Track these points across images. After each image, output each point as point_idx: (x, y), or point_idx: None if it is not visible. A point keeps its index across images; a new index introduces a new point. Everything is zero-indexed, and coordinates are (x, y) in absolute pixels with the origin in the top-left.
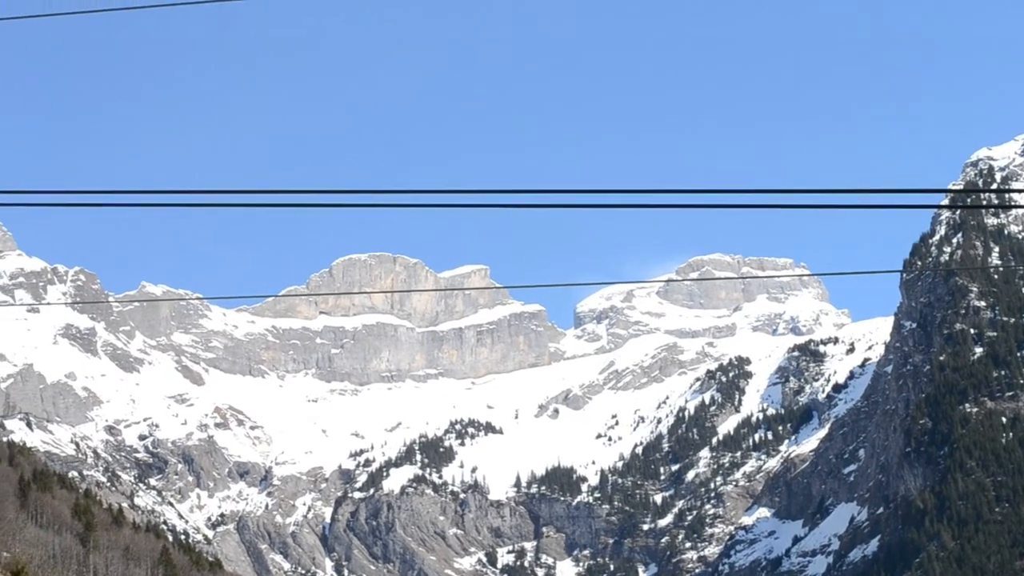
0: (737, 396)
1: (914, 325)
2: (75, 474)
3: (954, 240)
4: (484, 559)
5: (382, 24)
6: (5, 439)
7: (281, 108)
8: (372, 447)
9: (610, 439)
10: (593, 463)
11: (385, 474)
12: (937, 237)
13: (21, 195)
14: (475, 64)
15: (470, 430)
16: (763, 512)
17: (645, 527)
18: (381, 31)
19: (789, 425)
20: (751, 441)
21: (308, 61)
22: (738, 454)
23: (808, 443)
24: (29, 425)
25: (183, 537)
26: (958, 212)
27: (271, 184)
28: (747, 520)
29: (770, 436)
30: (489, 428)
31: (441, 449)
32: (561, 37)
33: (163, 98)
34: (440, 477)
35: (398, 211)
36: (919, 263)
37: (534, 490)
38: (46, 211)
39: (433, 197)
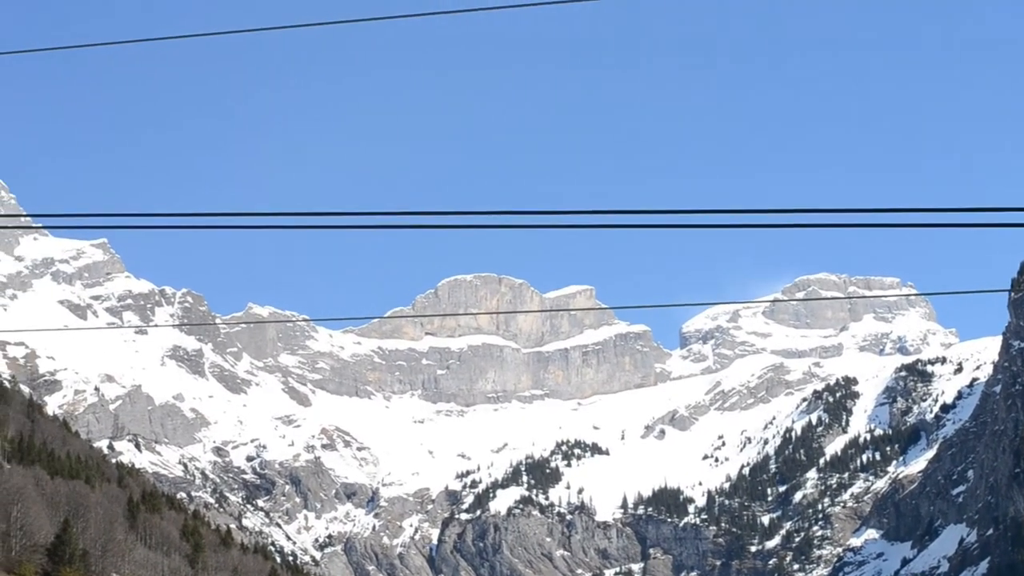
0: (844, 417)
1: (1023, 345)
2: (183, 495)
3: None
4: None
5: (485, 47)
6: (114, 460)
7: (388, 129)
8: (478, 468)
9: (717, 460)
10: (700, 484)
11: (492, 495)
12: None
13: (129, 218)
14: (582, 88)
15: (576, 451)
16: (871, 534)
17: (753, 549)
18: (484, 54)
19: (897, 446)
20: (859, 462)
21: (415, 84)
22: (846, 475)
23: (916, 464)
24: (138, 446)
25: (291, 558)
26: None
27: (377, 206)
28: (855, 542)
29: (878, 457)
30: (595, 449)
31: (547, 470)
32: (657, 60)
33: (270, 120)
34: (547, 498)
35: (504, 232)
36: None
37: (641, 511)
38: (154, 234)
39: (539, 218)
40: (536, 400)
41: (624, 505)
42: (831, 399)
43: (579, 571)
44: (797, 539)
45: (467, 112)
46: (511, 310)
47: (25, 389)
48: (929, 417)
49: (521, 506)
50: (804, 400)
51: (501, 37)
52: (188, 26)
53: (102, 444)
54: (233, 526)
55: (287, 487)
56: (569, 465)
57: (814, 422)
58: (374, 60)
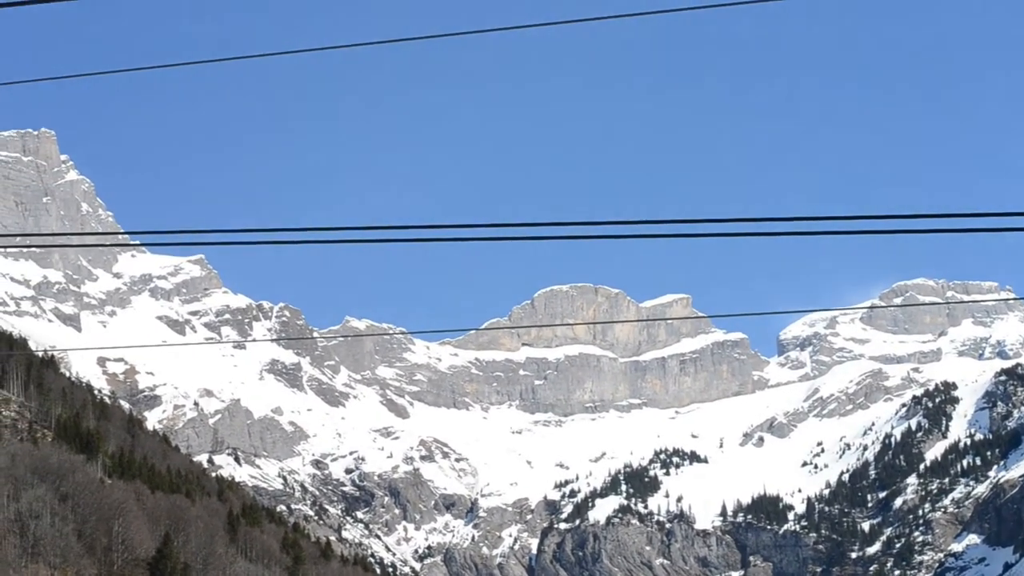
0: (944, 422)
1: None
2: (283, 508)
3: None
4: None
5: (575, 57)
6: (214, 474)
7: (481, 144)
8: (577, 478)
9: (816, 467)
10: (799, 491)
11: (591, 505)
12: None
13: (226, 234)
14: (677, 93)
15: (675, 459)
16: (973, 539)
17: (853, 555)
18: (574, 64)
19: (997, 450)
20: (959, 467)
21: (509, 96)
22: (946, 480)
23: (1017, 468)
24: (237, 460)
25: (391, 570)
26: None
27: (472, 218)
28: (957, 547)
29: (978, 462)
30: (694, 457)
31: (646, 479)
32: (751, 62)
33: (363, 135)
34: (646, 507)
35: (599, 241)
36: None
37: (740, 519)
38: (251, 249)
39: (634, 227)
40: (634, 409)
41: (723, 513)
42: (930, 404)
43: None
44: (898, 545)
45: (552, 124)
46: (608, 320)
47: (125, 405)
48: None
49: (620, 515)
50: (903, 406)
51: (582, 49)
52: (279, 44)
53: (202, 458)
54: (333, 538)
55: (386, 499)
56: (668, 473)
57: (913, 428)
58: (467, 75)
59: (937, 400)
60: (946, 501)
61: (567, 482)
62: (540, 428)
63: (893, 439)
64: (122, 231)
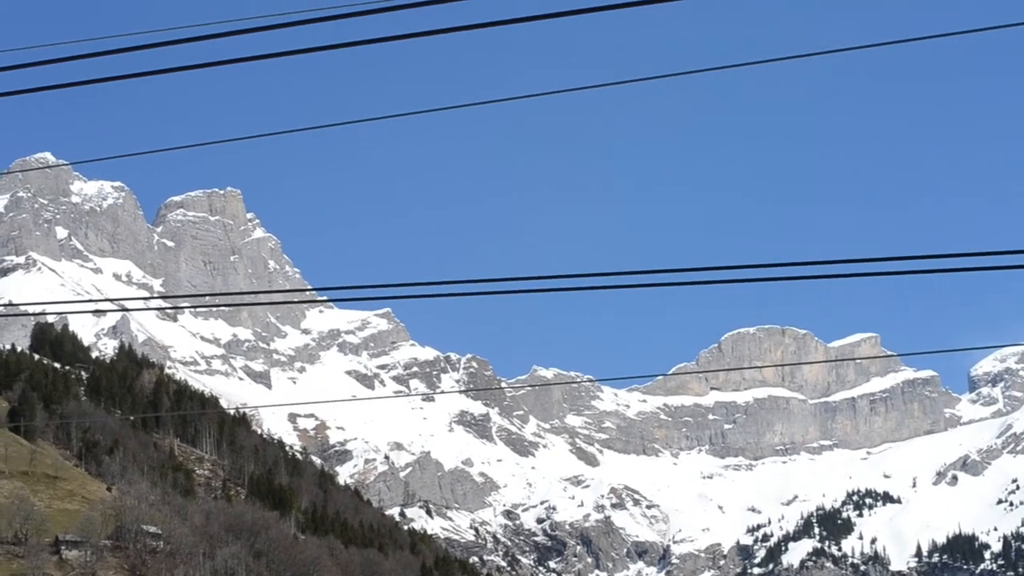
0: None
1: None
2: (476, 560)
3: None
4: None
5: (748, 98)
6: (406, 527)
7: (665, 189)
8: (769, 522)
9: (1011, 504)
10: (995, 529)
11: (784, 548)
12: None
13: (413, 287)
14: (865, 131)
15: (867, 500)
16: None
17: None
18: (744, 104)
19: None
20: None
21: (675, 143)
22: None
23: None
24: (429, 512)
25: None
26: None
27: (654, 263)
28: None
29: None
30: (887, 498)
31: (839, 521)
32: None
33: (545, 183)
34: (839, 550)
35: (785, 283)
36: None
37: (936, 559)
38: (437, 301)
39: (819, 268)
40: (824, 450)
41: (918, 553)
42: None
43: None
44: None
45: (727, 165)
46: (796, 361)
47: (317, 460)
48: None
49: (814, 558)
50: None
51: (751, 87)
52: (455, 97)
53: (393, 511)
54: None
55: (578, 548)
56: (860, 515)
57: None
58: (645, 119)
59: None
60: None
61: (759, 526)
62: (731, 472)
63: None
64: (309, 287)
